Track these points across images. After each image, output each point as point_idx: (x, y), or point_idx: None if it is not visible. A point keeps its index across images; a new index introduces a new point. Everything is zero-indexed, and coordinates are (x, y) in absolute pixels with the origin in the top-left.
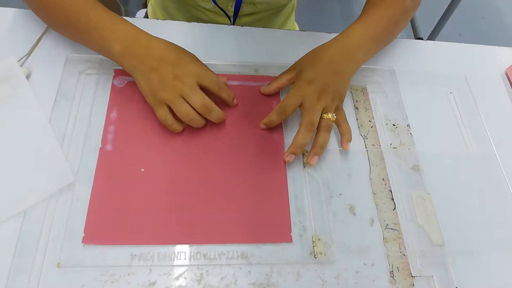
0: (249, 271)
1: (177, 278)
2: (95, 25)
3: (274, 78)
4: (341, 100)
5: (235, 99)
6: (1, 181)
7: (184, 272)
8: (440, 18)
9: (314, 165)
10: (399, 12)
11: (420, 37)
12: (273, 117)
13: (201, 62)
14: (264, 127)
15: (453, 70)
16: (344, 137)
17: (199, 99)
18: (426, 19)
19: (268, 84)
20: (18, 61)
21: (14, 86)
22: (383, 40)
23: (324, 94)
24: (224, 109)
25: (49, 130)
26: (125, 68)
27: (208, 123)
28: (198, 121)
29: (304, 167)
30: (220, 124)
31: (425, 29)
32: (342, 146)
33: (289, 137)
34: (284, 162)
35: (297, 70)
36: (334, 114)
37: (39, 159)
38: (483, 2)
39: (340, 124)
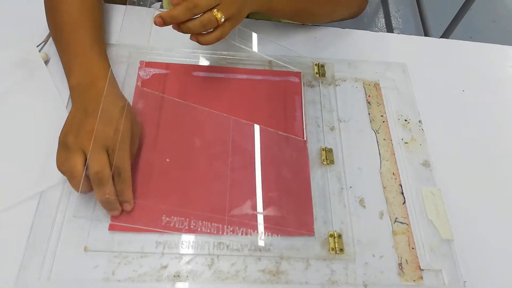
0: (259, 258)
1: (188, 263)
2: (70, 44)
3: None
4: (238, 18)
5: (127, 205)
6: (18, 163)
7: (195, 257)
8: (451, 21)
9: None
10: None
11: None
12: (176, 12)
13: (128, 137)
14: (160, 21)
15: (465, 68)
16: (202, 36)
17: (97, 164)
18: (437, 21)
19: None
20: (37, 47)
21: (32, 71)
22: (303, 8)
23: None
24: (238, 107)
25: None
26: (72, 98)
27: (226, 119)
28: (76, 185)
29: (322, 162)
30: (241, 119)
31: (436, 31)
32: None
33: (312, 135)
34: (307, 158)
35: None
36: (223, 17)
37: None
38: (495, 5)
39: (215, 30)
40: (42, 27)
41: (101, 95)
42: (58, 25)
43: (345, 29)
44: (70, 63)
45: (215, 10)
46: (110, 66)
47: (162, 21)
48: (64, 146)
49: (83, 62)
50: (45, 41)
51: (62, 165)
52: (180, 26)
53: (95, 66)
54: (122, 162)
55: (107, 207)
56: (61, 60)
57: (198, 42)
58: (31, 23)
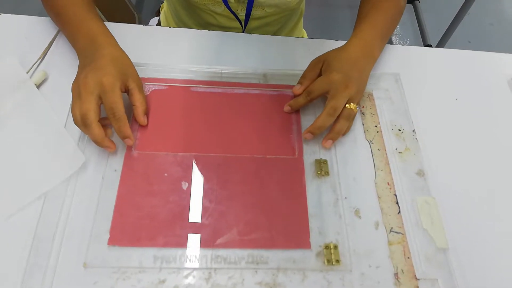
0: (256, 271)
1: (186, 277)
2: (69, 20)
3: (302, 77)
4: (362, 96)
5: (128, 140)
6: (17, 173)
7: (192, 271)
8: (449, 25)
9: (328, 148)
10: (396, 11)
11: (429, 44)
12: (300, 99)
13: (118, 81)
14: (289, 109)
15: (458, 76)
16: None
17: (82, 108)
18: (435, 26)
19: (298, 83)
20: (33, 65)
21: (25, 96)
22: (387, 37)
23: (351, 85)
24: (238, 119)
25: (64, 132)
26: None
27: (224, 135)
28: (83, 130)
29: (317, 173)
30: (237, 133)
31: (434, 36)
32: (322, 142)
33: (307, 147)
34: (303, 170)
35: (322, 63)
36: (357, 106)
37: (52, 151)
38: (492, 9)
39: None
40: (39, 46)
41: (98, 48)
42: (56, 8)
43: (338, 40)
44: (71, 34)
45: (347, 104)
46: (105, 26)
47: (312, 135)
48: (73, 97)
49: (81, 28)
50: (41, 58)
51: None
52: (330, 136)
53: (91, 29)
54: (113, 102)
55: (99, 145)
56: (66, 36)
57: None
58: (27, 42)
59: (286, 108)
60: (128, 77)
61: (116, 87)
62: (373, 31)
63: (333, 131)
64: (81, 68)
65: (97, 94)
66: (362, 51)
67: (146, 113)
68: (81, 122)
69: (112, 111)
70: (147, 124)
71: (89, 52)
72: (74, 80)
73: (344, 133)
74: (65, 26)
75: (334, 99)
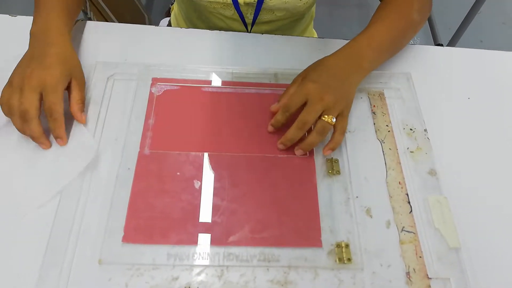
0: (268, 269)
1: (198, 274)
2: (38, 3)
3: (282, 93)
4: (347, 106)
5: (60, 140)
6: (33, 170)
7: (205, 268)
8: (460, 24)
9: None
10: (405, 25)
11: (440, 43)
12: (278, 116)
13: (63, 82)
14: (272, 129)
15: (470, 75)
16: (329, 145)
17: (24, 102)
18: (446, 25)
19: (279, 100)
20: None
21: None
22: (389, 50)
23: (327, 95)
24: (249, 118)
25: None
26: (28, 44)
27: (236, 134)
28: (14, 121)
29: (329, 172)
30: (248, 133)
31: (445, 35)
32: (323, 150)
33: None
34: (314, 169)
35: (302, 76)
36: (334, 118)
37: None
38: (504, 8)
39: (335, 131)
40: None
41: (49, 44)
42: None
43: (348, 40)
44: (35, 15)
45: (324, 116)
46: (68, 26)
47: (284, 147)
48: (9, 84)
49: (44, 15)
50: None
51: (3, 100)
52: (301, 146)
53: (52, 21)
54: (54, 103)
55: (35, 141)
56: None
57: (332, 150)
58: None
59: (269, 128)
60: (72, 77)
61: (59, 88)
62: (367, 42)
63: (304, 142)
64: (28, 59)
65: (39, 92)
66: (346, 60)
67: (83, 110)
68: (20, 115)
69: (51, 111)
70: (84, 121)
71: (39, 44)
72: (17, 69)
73: (336, 146)
74: (35, 4)
75: (306, 111)
